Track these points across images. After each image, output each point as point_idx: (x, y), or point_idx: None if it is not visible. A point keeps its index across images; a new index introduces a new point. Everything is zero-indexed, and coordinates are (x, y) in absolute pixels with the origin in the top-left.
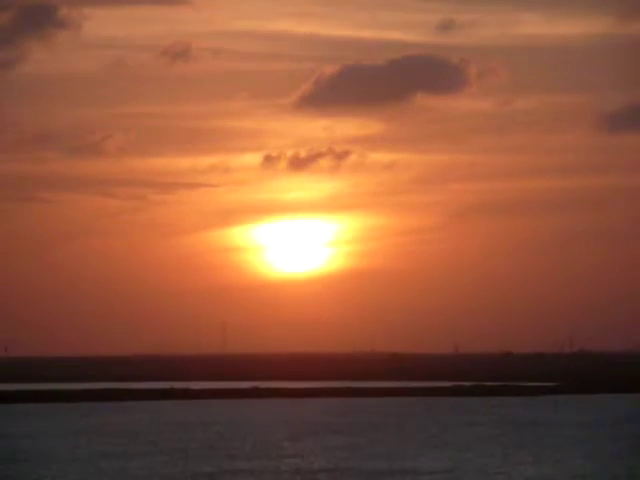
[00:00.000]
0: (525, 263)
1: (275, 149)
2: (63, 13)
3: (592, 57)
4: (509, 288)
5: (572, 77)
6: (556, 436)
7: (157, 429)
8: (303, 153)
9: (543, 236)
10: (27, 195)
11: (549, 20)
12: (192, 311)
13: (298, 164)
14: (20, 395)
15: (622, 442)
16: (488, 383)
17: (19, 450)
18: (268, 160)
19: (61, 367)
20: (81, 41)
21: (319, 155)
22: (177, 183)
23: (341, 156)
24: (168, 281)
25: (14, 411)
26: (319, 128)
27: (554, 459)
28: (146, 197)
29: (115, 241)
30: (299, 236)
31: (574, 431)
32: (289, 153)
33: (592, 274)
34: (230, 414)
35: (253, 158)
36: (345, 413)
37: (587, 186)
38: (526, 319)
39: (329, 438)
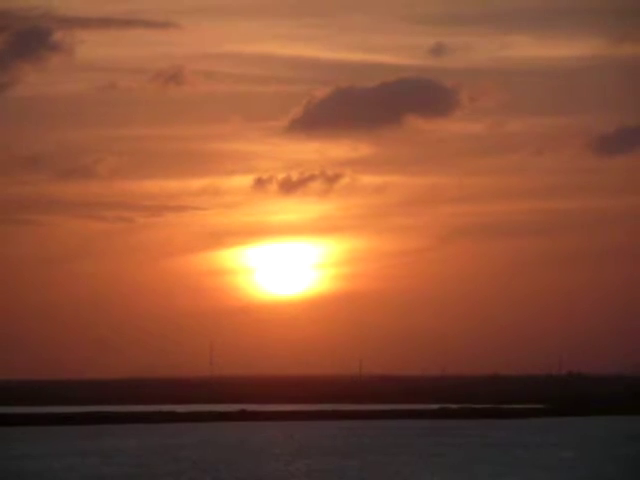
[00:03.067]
0: (514, 285)
1: (266, 172)
2: (56, 36)
3: (583, 79)
4: (497, 310)
5: (563, 99)
6: (544, 459)
7: (145, 452)
8: (294, 176)
9: (532, 258)
10: (15, 218)
11: (540, 42)
12: (179, 333)
13: (289, 187)
14: (9, 418)
15: (609, 465)
16: (476, 405)
17: (14, 471)
18: (259, 183)
19: (47, 390)
20: (73, 64)
21: (310, 178)
22: (166, 206)
23: (332, 179)
24: (156, 303)
25: (1, 434)
26: (311, 151)
27: None
28: (135, 220)
29: (103, 264)
30: (288, 258)
31: (560, 454)
32: (280, 176)
33: (581, 296)
34: (218, 437)
35: (244, 181)
36: (333, 436)
37: (577, 208)
38: (514, 341)
39: (320, 460)
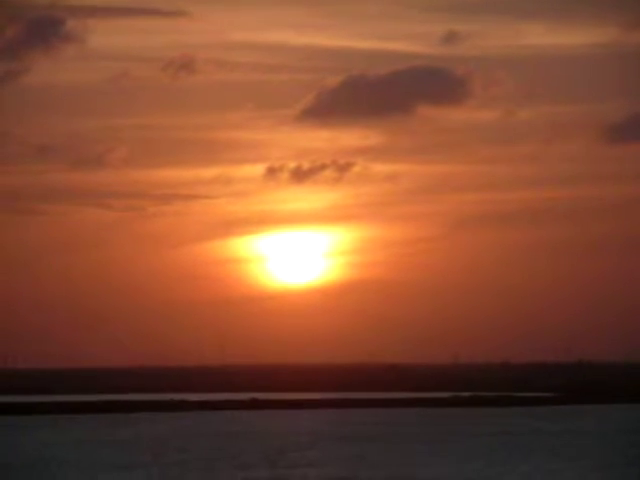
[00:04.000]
0: (525, 273)
1: (278, 160)
2: (68, 25)
3: (595, 67)
4: (509, 298)
5: (575, 87)
6: (556, 446)
7: (157, 441)
8: (306, 165)
9: (544, 246)
10: (26, 207)
11: (552, 30)
12: (190, 322)
13: (300, 175)
14: (18, 407)
15: (620, 452)
16: (487, 393)
17: (27, 460)
18: (270, 171)
19: (59, 379)
20: (85, 53)
21: (322, 167)
22: (177, 195)
23: (344, 168)
24: (167, 292)
25: (11, 423)
26: (322, 139)
27: (554, 469)
28: (145, 208)
29: (114, 253)
30: (299, 247)
31: (573, 441)
32: (291, 165)
33: (592, 283)
34: (230, 425)
35: (255, 169)
36: (345, 424)
37: (589, 196)
38: (526, 329)
39: (333, 448)
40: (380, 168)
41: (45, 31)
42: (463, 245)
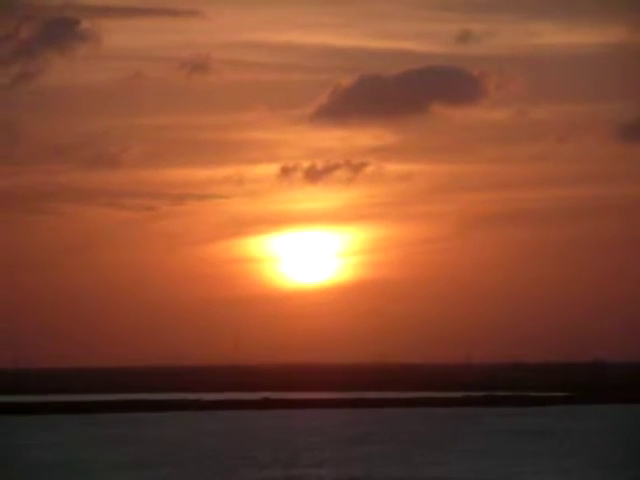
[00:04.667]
0: (538, 272)
1: (291, 160)
2: (83, 26)
3: (608, 66)
4: (522, 297)
5: (588, 86)
6: (570, 446)
7: (171, 440)
8: (320, 164)
9: (556, 246)
10: (39, 207)
11: (565, 30)
12: (204, 322)
13: (314, 175)
14: (31, 407)
15: (634, 453)
16: (499, 393)
17: (37, 460)
18: (284, 171)
19: (71, 379)
20: (100, 53)
21: (335, 166)
22: (190, 194)
23: (357, 167)
24: (180, 292)
25: (24, 423)
26: (335, 139)
27: (567, 469)
28: (158, 208)
29: (127, 252)
30: (313, 247)
31: (586, 441)
32: (305, 164)
33: (604, 283)
34: (243, 425)
35: (269, 169)
36: (357, 424)
37: (601, 195)
38: (539, 328)
39: (346, 448)
40: (394, 168)
41: (59, 31)
42: (476, 244)
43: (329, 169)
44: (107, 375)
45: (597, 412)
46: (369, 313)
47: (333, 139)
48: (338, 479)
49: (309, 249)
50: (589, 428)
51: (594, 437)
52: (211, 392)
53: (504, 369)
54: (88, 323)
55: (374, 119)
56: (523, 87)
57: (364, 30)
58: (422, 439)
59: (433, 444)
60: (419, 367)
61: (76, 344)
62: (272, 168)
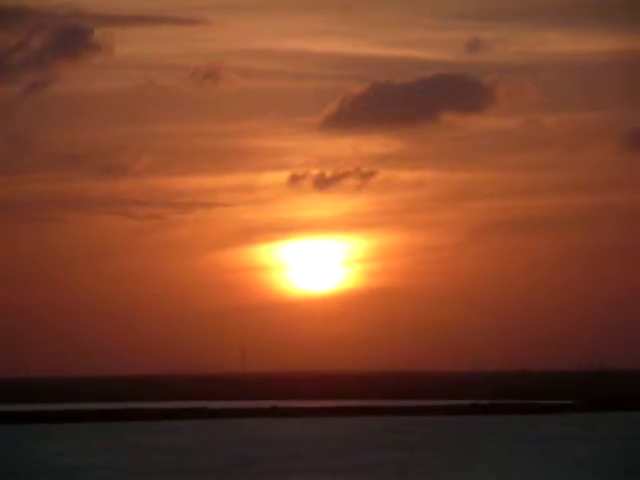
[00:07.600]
0: (546, 280)
1: (300, 168)
2: (94, 34)
3: (618, 74)
4: (528, 305)
5: (598, 94)
6: (576, 454)
7: (178, 449)
8: (329, 172)
9: (565, 253)
10: (49, 215)
11: (575, 38)
12: (211, 330)
13: (323, 183)
14: (41, 415)
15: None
16: (507, 401)
17: (52, 468)
18: (293, 179)
19: (80, 387)
20: (111, 62)
21: (345, 174)
22: (199, 202)
23: (367, 175)
24: (187, 300)
25: (33, 432)
26: (345, 147)
27: (574, 477)
28: (165, 217)
29: (134, 261)
30: (322, 254)
31: (593, 449)
32: (314, 172)
33: (613, 291)
34: (251, 433)
35: (278, 177)
36: (364, 432)
37: (610, 203)
38: (546, 336)
39: (354, 456)
40: (403, 176)
41: (71, 40)
42: (485, 253)
43: (338, 177)
44: (115, 383)
45: (604, 421)
46: (378, 321)
47: (343, 147)
48: None
49: (318, 257)
50: (596, 437)
51: (601, 446)
52: (219, 400)
53: (511, 377)
54: (96, 331)
55: (384, 127)
56: (533, 95)
57: (374, 38)
58: (430, 447)
59: (440, 452)
60: (426, 375)
61: (85, 352)
62: (281, 176)
